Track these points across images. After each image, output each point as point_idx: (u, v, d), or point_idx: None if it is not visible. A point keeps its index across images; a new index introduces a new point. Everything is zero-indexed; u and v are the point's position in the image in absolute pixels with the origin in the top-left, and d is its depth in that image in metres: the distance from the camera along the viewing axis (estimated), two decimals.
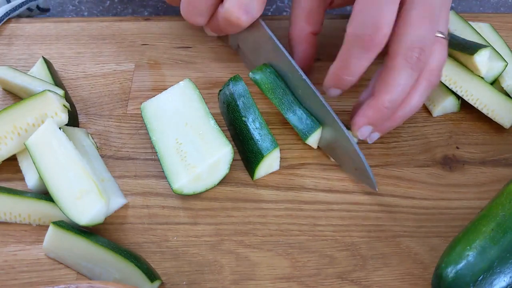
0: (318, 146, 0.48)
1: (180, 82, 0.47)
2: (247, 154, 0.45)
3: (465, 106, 0.50)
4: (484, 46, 0.47)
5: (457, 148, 0.48)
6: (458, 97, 0.50)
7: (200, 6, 0.47)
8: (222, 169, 0.44)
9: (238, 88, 0.47)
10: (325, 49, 0.54)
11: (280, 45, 0.47)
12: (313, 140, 0.46)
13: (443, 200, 0.45)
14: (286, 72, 0.47)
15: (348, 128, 0.45)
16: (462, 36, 0.51)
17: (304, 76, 0.45)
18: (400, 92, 0.42)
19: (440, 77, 0.45)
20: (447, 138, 0.49)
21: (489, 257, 0.35)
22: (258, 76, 0.48)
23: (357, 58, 0.42)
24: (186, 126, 0.45)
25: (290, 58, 0.46)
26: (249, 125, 0.45)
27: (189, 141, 0.45)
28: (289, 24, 0.49)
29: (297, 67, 0.46)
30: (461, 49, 0.48)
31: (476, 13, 0.59)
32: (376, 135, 0.45)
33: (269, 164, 0.45)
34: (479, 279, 0.35)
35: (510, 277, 0.35)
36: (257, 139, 0.44)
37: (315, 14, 0.48)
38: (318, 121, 0.46)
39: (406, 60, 0.41)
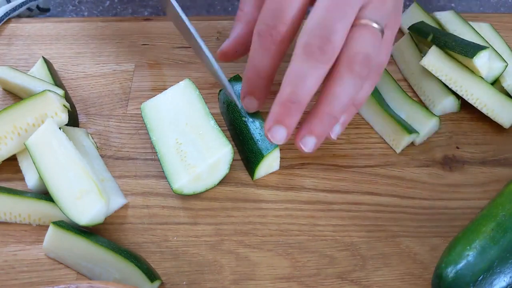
0: None
1: (180, 82, 0.47)
2: (247, 154, 0.45)
3: (465, 106, 0.50)
4: (483, 48, 0.47)
5: (457, 148, 0.48)
6: (458, 97, 0.50)
7: None
8: (222, 169, 0.44)
9: (238, 88, 0.47)
10: None
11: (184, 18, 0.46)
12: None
13: (443, 200, 0.45)
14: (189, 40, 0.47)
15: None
16: (462, 36, 0.51)
17: (193, 30, 0.44)
18: (303, 84, 0.38)
19: (377, 69, 0.42)
20: (447, 138, 0.49)
21: (489, 257, 0.35)
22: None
23: (307, 77, 0.38)
24: (186, 126, 0.45)
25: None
26: (249, 125, 0.45)
27: (189, 141, 0.45)
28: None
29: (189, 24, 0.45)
30: (460, 52, 0.48)
31: (476, 13, 0.59)
32: (311, 140, 0.40)
33: (269, 164, 0.45)
34: (479, 279, 0.35)
35: (510, 277, 0.35)
36: (257, 139, 0.44)
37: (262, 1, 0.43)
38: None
39: (305, 49, 0.37)
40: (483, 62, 0.47)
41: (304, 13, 0.39)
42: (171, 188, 0.43)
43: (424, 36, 0.52)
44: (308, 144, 0.40)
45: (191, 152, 0.44)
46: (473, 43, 0.49)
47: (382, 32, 0.39)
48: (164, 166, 0.44)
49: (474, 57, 0.47)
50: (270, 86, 0.42)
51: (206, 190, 0.45)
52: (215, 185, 0.45)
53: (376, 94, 0.49)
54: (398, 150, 0.47)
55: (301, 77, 0.37)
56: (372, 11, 0.39)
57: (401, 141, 0.47)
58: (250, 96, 0.43)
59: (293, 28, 0.39)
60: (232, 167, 0.46)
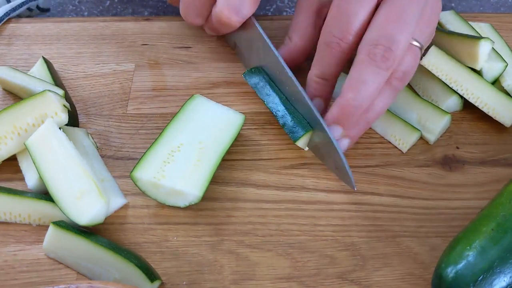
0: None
1: (236, 113, 0.47)
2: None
3: (465, 106, 0.50)
4: (488, 38, 0.48)
5: (457, 148, 0.48)
6: (460, 95, 0.50)
7: (197, 6, 0.48)
8: (179, 201, 0.43)
9: (254, 81, 0.49)
10: None
11: (270, 44, 0.47)
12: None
13: (443, 200, 0.45)
14: (275, 72, 0.48)
15: None
16: None
17: (291, 74, 0.46)
18: (364, 90, 0.41)
19: (405, 84, 0.44)
20: (447, 138, 0.49)
21: (489, 257, 0.35)
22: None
23: (370, 83, 0.41)
24: (199, 143, 0.44)
25: (278, 55, 0.47)
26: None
27: (185, 157, 0.43)
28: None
29: (284, 65, 0.46)
30: (465, 36, 0.48)
31: (476, 13, 0.59)
32: (346, 142, 0.44)
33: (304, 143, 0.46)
34: (479, 279, 0.35)
35: (510, 277, 0.35)
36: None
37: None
38: (308, 122, 0.46)
39: (369, 56, 0.40)
40: (485, 51, 0.48)
41: (368, 22, 0.42)
42: (132, 171, 0.42)
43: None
44: (335, 133, 0.43)
45: (175, 164, 0.43)
46: (473, 35, 0.50)
47: (421, 51, 0.44)
48: (151, 151, 0.43)
49: (482, 40, 0.47)
50: (333, 89, 0.46)
51: (155, 200, 0.43)
52: (165, 204, 0.43)
53: None
54: (405, 150, 0.48)
55: (363, 83, 0.41)
56: (420, 31, 0.43)
57: (410, 140, 0.47)
58: (318, 98, 0.46)
59: (359, 37, 0.42)
60: (232, 167, 0.46)
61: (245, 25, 0.49)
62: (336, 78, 0.45)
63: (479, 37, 0.48)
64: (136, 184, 0.43)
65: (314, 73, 0.45)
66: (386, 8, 0.42)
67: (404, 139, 0.48)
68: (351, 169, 0.43)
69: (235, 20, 0.47)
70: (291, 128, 0.46)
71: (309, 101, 0.44)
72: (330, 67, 0.44)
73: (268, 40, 0.48)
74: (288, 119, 0.46)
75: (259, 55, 0.49)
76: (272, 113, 0.47)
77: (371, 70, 0.41)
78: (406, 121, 0.48)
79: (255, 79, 0.49)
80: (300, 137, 0.45)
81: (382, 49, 0.40)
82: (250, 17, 0.48)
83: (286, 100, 0.47)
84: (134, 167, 0.42)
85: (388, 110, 0.48)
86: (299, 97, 0.46)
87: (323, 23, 0.44)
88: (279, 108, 0.47)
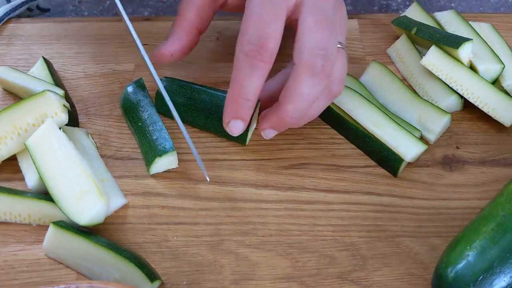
0: None
1: None
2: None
3: (465, 106, 0.50)
4: (467, 39, 0.48)
5: (457, 148, 0.48)
6: (460, 95, 0.50)
7: None
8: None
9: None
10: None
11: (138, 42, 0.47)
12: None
13: (443, 200, 0.45)
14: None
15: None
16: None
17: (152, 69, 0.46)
18: (304, 102, 0.41)
19: (342, 87, 0.44)
20: (447, 138, 0.49)
21: (489, 257, 0.35)
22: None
23: (249, 78, 0.40)
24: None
25: (144, 55, 0.46)
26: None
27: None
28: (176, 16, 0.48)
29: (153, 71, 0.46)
30: (446, 43, 0.49)
31: (476, 13, 0.59)
32: (272, 132, 0.44)
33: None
34: (479, 279, 0.35)
35: (510, 277, 0.35)
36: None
37: (204, 11, 0.47)
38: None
39: (310, 68, 0.39)
40: (466, 53, 0.49)
41: (283, 30, 0.41)
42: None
43: (408, 29, 0.52)
44: (269, 135, 0.44)
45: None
46: (457, 35, 0.50)
47: (345, 50, 0.45)
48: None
49: (459, 48, 0.48)
50: (254, 109, 0.43)
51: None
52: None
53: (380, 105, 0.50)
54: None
55: (302, 95, 0.40)
56: (340, 33, 0.44)
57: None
58: (237, 120, 0.42)
59: (278, 43, 0.40)
60: (232, 167, 0.46)
61: None
62: (257, 96, 0.42)
63: (460, 41, 0.48)
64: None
65: (233, 90, 0.41)
66: (310, 16, 0.41)
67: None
68: (350, 168, 0.43)
69: None
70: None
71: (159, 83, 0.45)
72: (251, 80, 0.40)
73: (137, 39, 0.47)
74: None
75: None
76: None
77: (311, 81, 0.40)
78: (408, 130, 0.47)
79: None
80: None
81: (321, 59, 0.39)
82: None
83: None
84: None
85: (389, 110, 0.48)
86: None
87: (219, 7, 0.45)
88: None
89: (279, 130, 0.44)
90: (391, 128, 0.46)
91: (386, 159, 0.46)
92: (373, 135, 0.46)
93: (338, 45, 0.43)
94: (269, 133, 0.44)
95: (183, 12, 0.47)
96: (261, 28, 0.39)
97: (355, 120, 0.47)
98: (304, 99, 0.40)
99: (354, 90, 0.49)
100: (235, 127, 0.42)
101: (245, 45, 0.40)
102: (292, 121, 0.42)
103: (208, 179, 0.45)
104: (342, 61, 0.44)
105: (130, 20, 0.47)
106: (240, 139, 0.47)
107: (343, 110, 0.48)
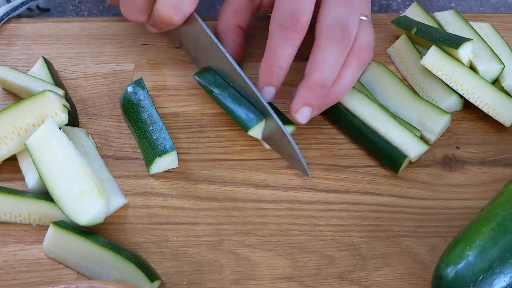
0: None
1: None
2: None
3: (465, 106, 0.50)
4: (467, 39, 0.48)
5: (457, 148, 0.48)
6: (461, 95, 0.50)
7: (137, 4, 0.47)
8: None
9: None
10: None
11: (215, 38, 0.47)
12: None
13: (443, 200, 0.45)
14: (223, 67, 0.48)
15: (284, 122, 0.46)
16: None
17: (238, 68, 0.46)
18: (329, 69, 0.43)
19: (371, 54, 0.47)
20: (447, 138, 0.49)
21: (489, 257, 0.35)
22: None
23: (282, 47, 0.44)
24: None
25: (223, 49, 0.47)
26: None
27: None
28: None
29: (231, 59, 0.46)
30: (446, 43, 0.49)
31: (476, 13, 0.59)
32: (307, 111, 0.45)
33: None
34: (479, 279, 0.35)
35: (510, 277, 0.35)
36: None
37: (242, 12, 0.50)
38: (261, 113, 0.46)
39: (329, 37, 0.43)
40: (466, 53, 0.49)
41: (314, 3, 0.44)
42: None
43: (408, 29, 0.52)
44: (304, 116, 0.45)
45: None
46: (457, 35, 0.50)
47: (370, 23, 0.47)
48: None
49: (459, 48, 0.48)
50: (286, 76, 0.46)
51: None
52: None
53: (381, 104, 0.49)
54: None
55: (326, 61, 0.43)
56: (364, 8, 0.48)
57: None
58: (270, 86, 0.46)
59: (309, 17, 0.44)
60: (231, 167, 0.46)
61: (188, 22, 0.48)
62: (289, 64, 0.45)
63: (460, 41, 0.48)
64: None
65: (267, 59, 0.45)
66: None
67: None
68: (350, 168, 0.43)
69: (176, 18, 0.47)
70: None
71: (258, 94, 0.45)
72: (285, 50, 0.44)
73: (213, 36, 0.47)
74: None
75: (205, 52, 0.49)
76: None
77: (331, 49, 0.43)
78: (410, 129, 0.47)
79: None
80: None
81: (340, 28, 0.43)
82: (192, 14, 0.48)
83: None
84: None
85: (389, 111, 0.48)
86: (249, 90, 0.46)
87: (256, 8, 0.48)
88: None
89: (314, 105, 0.44)
90: (395, 126, 0.46)
91: (389, 156, 0.46)
92: (377, 132, 0.46)
93: (363, 17, 0.46)
94: (304, 112, 0.44)
95: (222, 15, 0.51)
96: (295, 1, 0.43)
97: (359, 117, 0.47)
98: (328, 64, 0.43)
99: (357, 89, 0.49)
100: (267, 93, 0.45)
101: (280, 16, 0.43)
102: (321, 90, 0.44)
103: (309, 175, 0.46)
104: (367, 30, 0.46)
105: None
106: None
107: (347, 108, 0.48)
